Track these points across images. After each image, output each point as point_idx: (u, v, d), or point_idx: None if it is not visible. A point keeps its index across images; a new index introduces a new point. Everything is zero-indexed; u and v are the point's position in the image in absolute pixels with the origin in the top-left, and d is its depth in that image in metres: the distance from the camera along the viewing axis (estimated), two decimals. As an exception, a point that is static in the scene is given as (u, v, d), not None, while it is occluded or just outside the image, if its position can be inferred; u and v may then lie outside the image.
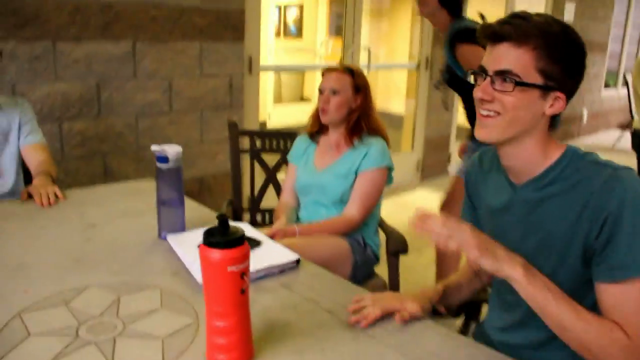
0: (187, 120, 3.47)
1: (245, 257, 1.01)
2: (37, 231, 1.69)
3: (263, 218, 2.56)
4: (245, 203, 2.56)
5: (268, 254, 1.51)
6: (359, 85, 2.13)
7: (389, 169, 2.15)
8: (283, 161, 2.49)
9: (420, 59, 5.36)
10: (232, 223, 1.02)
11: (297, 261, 1.51)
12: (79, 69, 2.97)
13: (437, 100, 5.30)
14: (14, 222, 1.77)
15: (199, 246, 1.48)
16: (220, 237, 0.99)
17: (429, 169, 5.72)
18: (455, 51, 2.46)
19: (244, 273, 1.00)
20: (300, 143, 2.31)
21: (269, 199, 2.55)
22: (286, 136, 2.53)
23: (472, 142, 2.63)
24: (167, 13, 3.26)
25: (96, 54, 3.02)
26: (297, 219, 2.23)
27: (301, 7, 8.79)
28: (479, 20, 2.36)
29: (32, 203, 1.92)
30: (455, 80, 2.61)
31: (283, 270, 1.47)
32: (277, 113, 7.80)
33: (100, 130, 3.11)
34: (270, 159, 2.54)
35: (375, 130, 2.16)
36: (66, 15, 2.89)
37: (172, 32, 3.29)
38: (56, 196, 1.96)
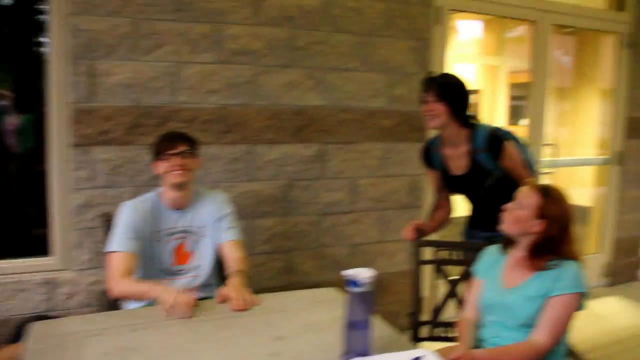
0: (368, 220, 3.55)
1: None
2: (231, 339, 1.79)
3: (442, 332, 2.48)
4: (424, 314, 2.51)
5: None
6: (545, 214, 2.00)
7: (583, 295, 1.99)
8: (465, 275, 2.43)
9: (612, 153, 4.99)
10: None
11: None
12: (272, 169, 3.23)
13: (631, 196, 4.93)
14: (211, 327, 1.89)
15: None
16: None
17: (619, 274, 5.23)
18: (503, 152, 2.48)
19: None
20: (488, 256, 2.22)
21: (449, 310, 2.50)
22: (471, 248, 2.46)
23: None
24: (355, 116, 3.43)
25: (288, 156, 3.26)
26: (479, 339, 2.13)
27: (478, 92, 8.68)
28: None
29: (226, 305, 2.05)
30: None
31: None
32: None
33: (286, 228, 3.30)
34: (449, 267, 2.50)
35: (565, 256, 2.03)
36: (263, 121, 3.18)
37: (358, 134, 3.44)
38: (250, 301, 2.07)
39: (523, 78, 4.64)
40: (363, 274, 1.61)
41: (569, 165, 5.88)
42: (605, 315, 4.46)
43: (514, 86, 7.77)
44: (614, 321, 4.33)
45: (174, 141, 2.33)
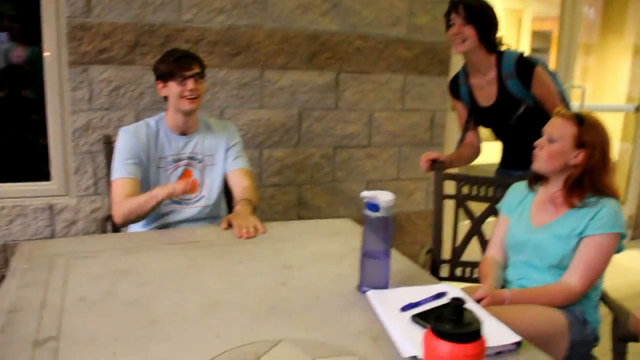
0: (385, 155, 3.36)
1: (481, 357, 0.80)
2: (233, 266, 1.63)
3: (463, 272, 2.31)
4: (445, 254, 2.34)
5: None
6: (585, 141, 1.80)
7: (621, 236, 1.80)
8: (490, 211, 2.24)
9: (640, 100, 4.77)
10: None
11: (518, 343, 1.25)
12: (284, 97, 3.01)
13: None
14: (212, 253, 1.73)
15: (402, 309, 1.33)
16: (453, 328, 0.78)
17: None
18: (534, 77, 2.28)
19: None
20: (515, 192, 2.03)
21: (471, 251, 2.31)
22: (499, 184, 2.26)
23: None
24: (373, 44, 3.19)
25: (300, 83, 3.03)
26: (505, 281, 1.96)
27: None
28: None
29: (231, 232, 1.88)
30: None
31: (500, 352, 1.21)
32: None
33: (298, 160, 3.11)
34: (476, 206, 2.31)
35: (604, 191, 1.83)
36: (274, 44, 2.94)
37: (376, 64, 3.21)
38: (255, 229, 1.91)
39: (548, 26, 4.36)
40: (383, 196, 1.42)
41: (597, 110, 5.64)
42: (631, 267, 4.30)
43: (537, 34, 7.45)
44: (640, 274, 4.18)
45: (187, 62, 2.10)
